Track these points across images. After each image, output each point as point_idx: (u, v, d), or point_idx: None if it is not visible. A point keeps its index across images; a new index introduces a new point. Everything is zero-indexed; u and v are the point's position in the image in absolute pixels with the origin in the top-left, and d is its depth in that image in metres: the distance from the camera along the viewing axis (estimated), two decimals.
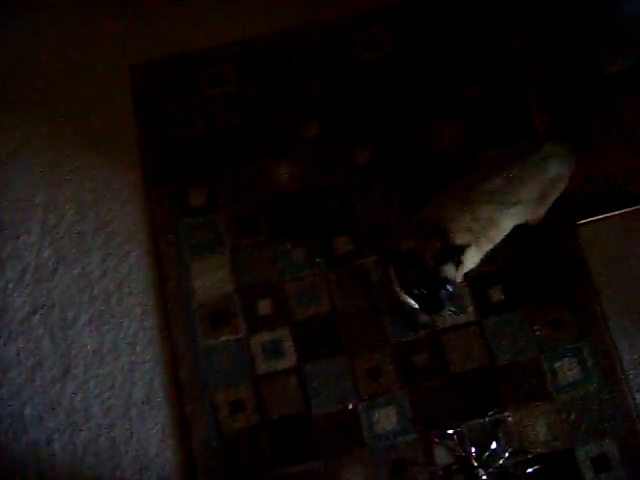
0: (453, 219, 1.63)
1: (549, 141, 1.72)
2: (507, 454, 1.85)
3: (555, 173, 1.69)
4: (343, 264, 2.00)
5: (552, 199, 1.77)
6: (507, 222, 1.68)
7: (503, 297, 1.95)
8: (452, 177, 1.78)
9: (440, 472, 1.85)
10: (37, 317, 1.97)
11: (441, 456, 1.86)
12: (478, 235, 1.64)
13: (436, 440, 1.84)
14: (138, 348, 1.95)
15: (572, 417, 1.86)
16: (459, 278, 1.66)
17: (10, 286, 1.99)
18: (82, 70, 2.21)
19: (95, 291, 1.99)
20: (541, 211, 1.82)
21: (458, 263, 1.60)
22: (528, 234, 1.88)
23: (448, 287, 1.58)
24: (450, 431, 1.88)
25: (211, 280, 1.99)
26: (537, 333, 1.92)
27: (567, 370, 1.88)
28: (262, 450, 1.83)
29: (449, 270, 1.57)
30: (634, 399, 1.86)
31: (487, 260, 1.76)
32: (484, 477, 1.82)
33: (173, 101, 2.17)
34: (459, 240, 1.59)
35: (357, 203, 2.05)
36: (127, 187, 2.12)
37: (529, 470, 1.84)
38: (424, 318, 1.86)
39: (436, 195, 1.71)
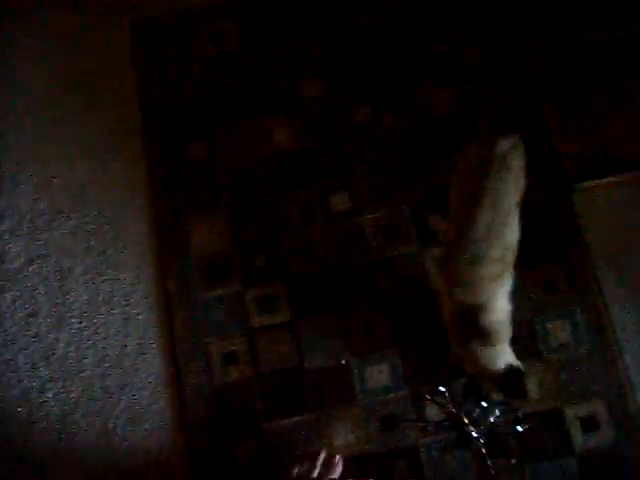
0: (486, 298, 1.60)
1: (498, 138, 1.60)
2: (497, 412, 1.83)
3: (518, 163, 1.59)
4: (340, 221, 1.98)
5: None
6: (515, 233, 1.61)
7: None
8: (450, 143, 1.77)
9: (430, 428, 1.86)
10: (33, 267, 1.97)
11: (432, 413, 1.89)
12: (508, 272, 1.61)
13: (427, 397, 1.84)
14: (132, 300, 1.95)
15: (562, 377, 1.87)
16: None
17: (6, 237, 1.97)
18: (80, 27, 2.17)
19: (91, 242, 2.00)
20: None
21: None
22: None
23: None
24: (442, 389, 1.87)
25: (208, 234, 2.00)
26: (531, 295, 1.93)
27: (559, 331, 1.89)
28: (254, 402, 1.84)
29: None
30: (624, 361, 1.85)
31: None
32: (474, 434, 1.81)
33: (173, 58, 2.17)
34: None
35: (355, 162, 2.01)
36: (123, 138, 2.11)
37: (519, 428, 1.84)
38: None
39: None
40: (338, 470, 1.77)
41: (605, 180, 2.01)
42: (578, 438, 1.85)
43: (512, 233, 1.58)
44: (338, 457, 1.79)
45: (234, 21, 2.19)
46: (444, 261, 1.62)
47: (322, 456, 1.79)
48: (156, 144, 2.08)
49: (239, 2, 2.20)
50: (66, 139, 2.09)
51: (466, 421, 1.83)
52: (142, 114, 2.10)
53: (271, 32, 2.18)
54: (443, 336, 1.70)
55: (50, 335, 1.92)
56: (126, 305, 1.94)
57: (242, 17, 2.20)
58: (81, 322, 1.93)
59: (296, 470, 1.75)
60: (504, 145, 1.55)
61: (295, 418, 1.88)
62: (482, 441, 1.85)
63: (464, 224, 1.53)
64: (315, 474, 1.74)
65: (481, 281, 1.56)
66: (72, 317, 1.94)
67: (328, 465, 1.77)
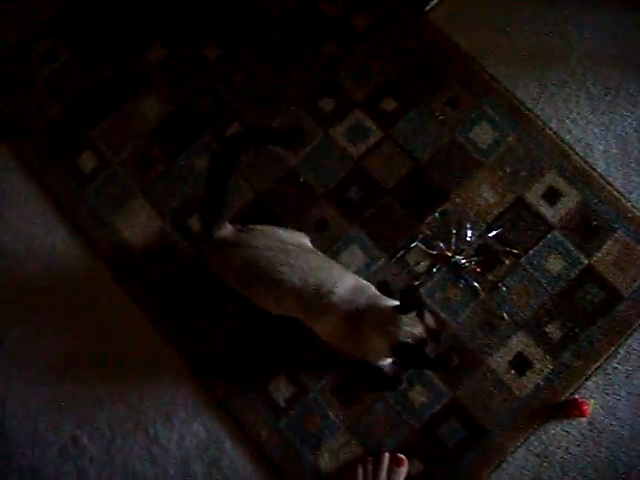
0: None
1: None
2: (469, 231, 1.87)
3: None
4: (249, 150, 2.03)
5: None
6: None
7: (396, 104, 2.02)
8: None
9: (424, 278, 1.91)
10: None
11: (418, 266, 1.94)
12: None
13: (403, 252, 1.86)
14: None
15: (507, 170, 1.94)
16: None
17: None
18: None
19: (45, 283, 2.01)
20: None
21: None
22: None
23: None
24: (413, 244, 1.91)
25: (138, 224, 2.02)
26: (441, 117, 1.99)
27: (482, 134, 1.97)
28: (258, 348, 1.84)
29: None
30: (551, 128, 1.93)
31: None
32: (463, 261, 1.88)
33: (21, 97, 2.14)
34: None
35: (227, 93, 2.10)
36: (21, 190, 2.14)
37: (492, 234, 1.90)
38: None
39: None
40: (404, 471, 1.78)
41: None
42: (549, 212, 1.92)
43: None
44: (403, 457, 1.78)
45: (54, 37, 2.22)
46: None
47: (387, 457, 1.77)
48: (52, 180, 2.14)
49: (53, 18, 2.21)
50: None
51: (449, 254, 1.85)
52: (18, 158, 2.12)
53: (93, 31, 2.24)
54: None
55: (55, 389, 1.85)
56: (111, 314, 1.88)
57: (59, 31, 2.26)
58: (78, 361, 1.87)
59: (360, 471, 1.76)
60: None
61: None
62: (473, 262, 1.86)
63: None
64: (382, 478, 1.74)
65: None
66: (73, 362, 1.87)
67: (394, 466, 1.77)
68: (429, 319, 1.43)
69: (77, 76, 2.17)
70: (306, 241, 1.67)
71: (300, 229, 1.85)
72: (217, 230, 1.60)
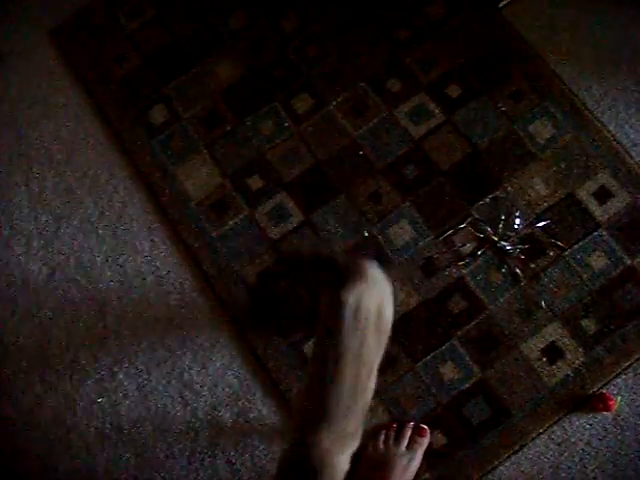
0: None
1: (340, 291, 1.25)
2: (518, 219, 1.93)
3: (374, 303, 1.30)
4: (309, 118, 2.11)
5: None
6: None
7: (461, 91, 2.07)
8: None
9: (468, 260, 1.96)
10: (57, 274, 2.03)
11: (464, 247, 1.99)
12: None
13: (450, 232, 1.93)
14: (158, 263, 2.03)
15: (562, 166, 1.98)
16: None
17: (22, 259, 2.05)
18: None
19: (100, 231, 2.08)
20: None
21: None
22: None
23: None
24: (462, 225, 1.96)
25: (199, 178, 2.09)
26: (503, 109, 2.04)
27: (541, 129, 2.01)
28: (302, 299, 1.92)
29: None
30: (609, 131, 1.98)
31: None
32: (508, 247, 1.92)
33: (104, 46, 2.26)
34: None
35: (299, 64, 2.16)
36: (93, 133, 2.23)
37: (540, 224, 1.95)
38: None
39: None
40: (426, 442, 1.83)
41: None
42: (598, 211, 1.96)
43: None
44: (426, 428, 1.83)
45: None
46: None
47: (411, 425, 1.83)
48: (122, 127, 2.23)
49: None
50: (39, 153, 2.26)
51: (496, 239, 1.91)
52: (100, 110, 2.25)
53: None
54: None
55: (98, 325, 1.99)
56: (154, 270, 2.02)
57: None
58: (121, 301, 2.00)
59: (382, 437, 1.82)
60: (353, 291, 1.23)
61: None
62: (518, 249, 1.91)
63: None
64: (403, 446, 1.80)
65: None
66: (112, 301, 2.03)
67: (416, 435, 1.82)
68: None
69: (159, 32, 2.26)
70: None
71: (353, 201, 1.95)
72: None
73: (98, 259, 2.06)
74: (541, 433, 1.84)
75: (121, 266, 2.08)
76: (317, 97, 2.14)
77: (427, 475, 1.83)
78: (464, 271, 1.95)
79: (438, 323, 1.91)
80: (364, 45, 2.17)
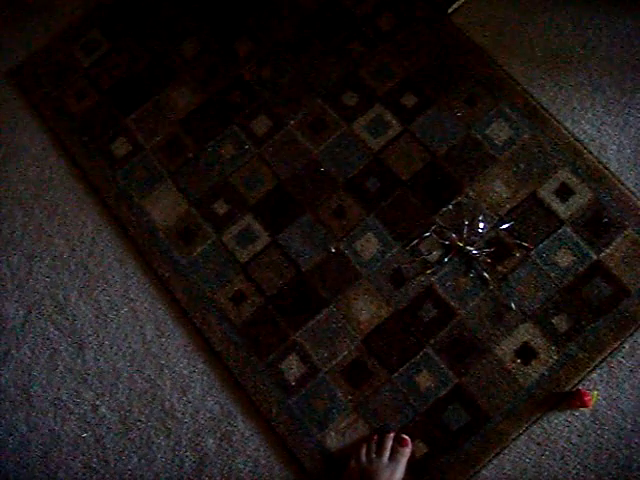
0: None
1: None
2: (481, 223, 1.94)
3: None
4: (269, 139, 2.13)
5: None
6: None
7: (416, 100, 2.08)
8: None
9: (435, 268, 1.98)
10: (34, 314, 2.06)
11: (430, 255, 2.01)
12: None
13: (416, 242, 1.94)
14: (131, 294, 2.04)
15: (522, 166, 1.99)
16: None
17: None
18: None
19: (72, 267, 2.09)
20: None
21: None
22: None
23: None
24: (427, 233, 1.98)
25: (165, 207, 2.11)
26: (459, 114, 2.05)
27: (498, 131, 2.02)
28: (277, 322, 1.95)
29: None
30: (566, 128, 1.99)
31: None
32: (474, 252, 1.94)
33: (63, 83, 2.30)
34: None
35: (255, 86, 2.17)
36: (58, 171, 2.25)
37: (504, 226, 1.96)
38: None
39: None
40: (408, 451, 1.84)
41: None
42: (561, 208, 1.97)
43: None
44: (407, 438, 1.84)
45: (97, 28, 2.33)
46: None
47: (392, 437, 1.84)
48: (86, 162, 2.26)
49: (96, 11, 2.35)
50: (10, 196, 2.29)
51: (461, 244, 1.93)
52: (63, 147, 2.27)
53: (132, 25, 2.37)
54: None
55: (77, 361, 1.98)
56: (128, 302, 2.02)
57: (101, 23, 2.39)
58: (98, 336, 2.00)
59: (364, 450, 1.82)
60: None
61: (318, 317, 1.97)
62: (484, 253, 1.92)
63: None
64: (385, 458, 1.81)
65: None
66: (89, 336, 2.02)
67: (398, 446, 1.83)
68: None
69: (115, 65, 2.31)
70: None
71: (318, 217, 1.97)
72: None
73: (72, 295, 2.06)
74: (521, 434, 1.83)
75: (96, 300, 2.07)
76: (275, 118, 2.15)
77: None
78: (432, 279, 1.93)
79: (411, 333, 1.92)
80: (318, 62, 2.19)
